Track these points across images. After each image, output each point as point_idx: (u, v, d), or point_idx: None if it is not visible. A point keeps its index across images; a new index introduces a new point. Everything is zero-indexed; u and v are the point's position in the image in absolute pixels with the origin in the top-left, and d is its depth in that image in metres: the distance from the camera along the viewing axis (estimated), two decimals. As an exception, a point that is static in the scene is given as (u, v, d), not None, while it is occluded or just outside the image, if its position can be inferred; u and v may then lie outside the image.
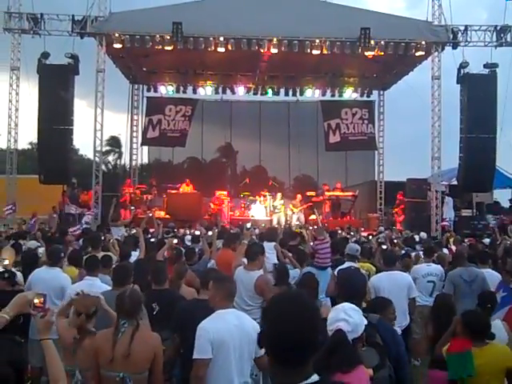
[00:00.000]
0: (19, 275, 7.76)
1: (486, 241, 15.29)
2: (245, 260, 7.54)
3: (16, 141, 22.10)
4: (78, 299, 5.19)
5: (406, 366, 4.05)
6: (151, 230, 15.26)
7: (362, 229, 20.61)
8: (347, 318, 3.37)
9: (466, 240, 15.35)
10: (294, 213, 23.72)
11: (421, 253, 11.00)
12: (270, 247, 9.11)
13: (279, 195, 24.37)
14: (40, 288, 7.31)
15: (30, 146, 38.73)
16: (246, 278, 6.90)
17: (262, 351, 4.86)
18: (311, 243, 11.35)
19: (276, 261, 9.10)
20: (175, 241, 10.11)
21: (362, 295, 4.32)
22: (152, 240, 12.02)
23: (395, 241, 13.66)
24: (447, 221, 21.24)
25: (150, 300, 5.86)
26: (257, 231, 14.02)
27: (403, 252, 11.35)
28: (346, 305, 3.53)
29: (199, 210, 23.56)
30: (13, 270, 7.63)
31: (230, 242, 9.32)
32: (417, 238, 15.06)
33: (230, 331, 4.69)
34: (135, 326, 4.70)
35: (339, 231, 16.34)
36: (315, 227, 12.66)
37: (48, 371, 3.31)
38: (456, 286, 8.29)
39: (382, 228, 20.05)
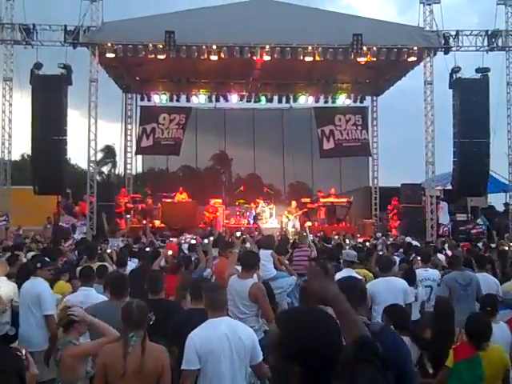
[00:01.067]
0: (13, 286, 7.73)
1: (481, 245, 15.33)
2: (238, 268, 7.53)
3: (10, 152, 22.07)
4: (60, 310, 5.16)
5: (411, 375, 3.97)
6: (143, 240, 15.28)
7: (358, 235, 20.64)
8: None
9: (460, 244, 15.39)
10: (289, 220, 23.68)
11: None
12: (266, 255, 9.09)
13: (261, 202, 24.37)
14: (22, 299, 7.34)
15: (21, 158, 38.68)
16: (239, 286, 6.87)
17: (260, 358, 4.85)
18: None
19: (273, 269, 9.09)
20: (170, 252, 10.09)
21: (362, 304, 4.29)
22: (147, 249, 12.03)
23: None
24: (447, 226, 21.24)
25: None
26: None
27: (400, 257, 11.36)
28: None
29: (194, 219, 23.54)
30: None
31: (224, 250, 9.30)
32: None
33: (220, 340, 4.67)
34: (143, 337, 4.60)
35: (335, 237, 16.36)
36: (299, 234, 12.69)
37: None
38: (451, 289, 8.28)
39: (379, 234, 20.07)
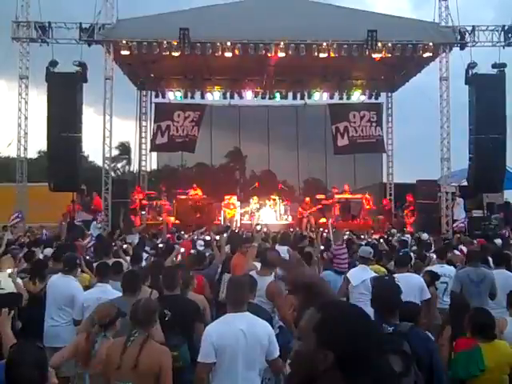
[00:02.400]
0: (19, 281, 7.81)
1: (498, 241, 15.17)
2: (256, 264, 7.52)
3: (26, 149, 22.20)
4: (97, 308, 5.23)
5: (441, 375, 3.97)
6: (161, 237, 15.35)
7: (372, 231, 20.59)
8: None
9: (475, 241, 15.27)
10: (303, 216, 23.70)
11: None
12: (282, 251, 9.08)
13: (255, 198, 24.40)
14: (51, 295, 7.38)
15: (37, 155, 38.97)
16: (258, 282, 6.87)
17: (276, 354, 4.87)
18: (322, 247, 11.42)
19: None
20: (182, 249, 10.11)
21: (396, 306, 4.27)
22: (160, 245, 12.10)
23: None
24: (462, 221, 21.12)
25: (162, 306, 5.85)
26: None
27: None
28: None
29: (209, 216, 23.62)
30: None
31: (239, 247, 9.30)
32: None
33: (236, 336, 4.71)
34: (146, 336, 4.68)
35: (346, 233, 16.36)
36: (334, 231, 12.65)
37: None
38: (463, 285, 8.24)
39: (394, 230, 20.03)
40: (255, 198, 24.49)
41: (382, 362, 2.16)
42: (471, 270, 8.44)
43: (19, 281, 7.75)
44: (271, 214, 23.96)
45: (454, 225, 20.84)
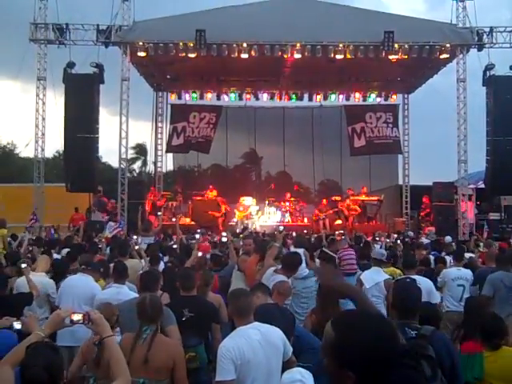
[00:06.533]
0: (52, 282, 7.82)
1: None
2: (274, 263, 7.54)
3: (43, 150, 22.38)
4: (103, 308, 5.24)
5: (461, 379, 3.95)
6: (174, 237, 15.33)
7: (386, 233, 20.52)
8: (304, 380, 3.36)
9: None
10: (319, 218, 23.66)
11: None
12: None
13: (254, 201, 24.50)
14: (70, 294, 7.38)
15: (56, 155, 39.22)
16: (268, 281, 6.87)
17: (290, 353, 4.81)
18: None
19: (305, 268, 9.06)
20: (200, 254, 10.09)
21: (418, 309, 4.21)
22: (174, 246, 12.08)
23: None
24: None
25: (180, 306, 5.86)
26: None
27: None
28: (302, 369, 3.50)
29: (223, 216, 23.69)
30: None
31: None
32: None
33: (253, 349, 4.53)
34: (154, 330, 4.76)
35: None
36: (340, 238, 12.64)
37: (110, 367, 3.52)
38: (496, 290, 7.91)
39: (410, 233, 19.95)
40: (254, 200, 24.62)
41: (405, 372, 2.15)
42: (504, 274, 8.08)
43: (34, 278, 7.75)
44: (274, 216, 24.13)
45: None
